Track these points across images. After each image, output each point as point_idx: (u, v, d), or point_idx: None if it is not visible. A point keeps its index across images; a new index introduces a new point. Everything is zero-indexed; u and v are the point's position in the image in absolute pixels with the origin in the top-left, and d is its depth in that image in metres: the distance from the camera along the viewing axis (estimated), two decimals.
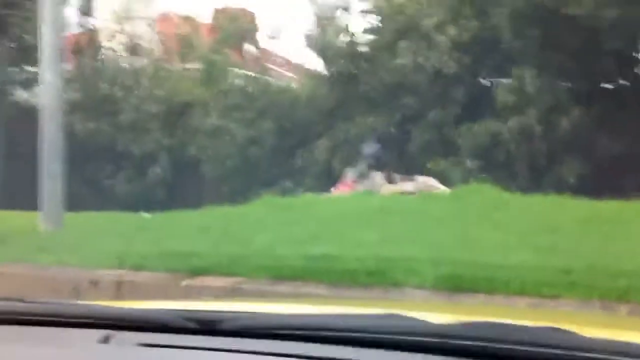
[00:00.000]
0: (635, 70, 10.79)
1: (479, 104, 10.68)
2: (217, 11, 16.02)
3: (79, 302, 2.03)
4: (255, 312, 1.74)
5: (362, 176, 9.08)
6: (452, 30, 10.64)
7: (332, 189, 9.31)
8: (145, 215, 7.87)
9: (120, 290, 5.26)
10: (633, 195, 7.11)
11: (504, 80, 10.36)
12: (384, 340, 1.39)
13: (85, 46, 14.69)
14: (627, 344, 1.35)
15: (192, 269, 5.40)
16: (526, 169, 9.71)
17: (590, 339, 1.35)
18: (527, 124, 9.65)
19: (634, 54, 10.56)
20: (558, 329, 1.36)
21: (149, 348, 1.46)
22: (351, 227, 6.30)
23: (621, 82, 10.90)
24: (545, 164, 9.76)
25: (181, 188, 12.62)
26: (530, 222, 6.00)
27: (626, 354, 1.26)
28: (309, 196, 8.60)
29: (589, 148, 9.88)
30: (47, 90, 8.13)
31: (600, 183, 9.26)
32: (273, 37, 13.46)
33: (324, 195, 8.68)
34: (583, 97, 10.15)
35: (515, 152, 9.73)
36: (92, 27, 15.69)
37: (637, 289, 4.24)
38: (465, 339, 1.34)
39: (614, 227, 5.71)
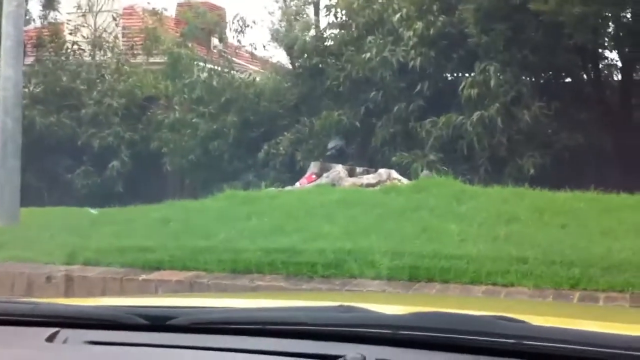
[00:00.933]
0: (597, 65, 10.95)
1: (443, 98, 10.74)
2: (182, 4, 15.89)
3: (27, 299, 2.00)
4: (208, 307, 1.73)
5: (325, 169, 9.07)
6: (418, 25, 10.68)
7: (297, 183, 9.29)
8: (92, 211, 7.75)
9: (75, 286, 5.21)
10: (590, 186, 7.23)
11: (469, 75, 10.43)
12: (337, 332, 1.39)
13: (47, 40, 14.46)
14: (574, 331, 1.36)
15: (150, 263, 5.37)
16: (488, 161, 9.80)
17: (539, 327, 1.36)
18: (489, 118, 9.73)
19: (595, 50, 10.71)
20: (507, 318, 1.38)
21: (97, 346, 1.44)
22: (313, 220, 6.31)
23: (583, 76, 11.06)
24: (506, 156, 9.85)
25: (143, 182, 12.49)
26: (489, 212, 6.06)
27: (572, 342, 1.28)
28: (272, 189, 8.58)
29: (549, 141, 10.01)
30: (6, 84, 7.99)
31: (560, 175, 9.39)
32: (239, 31, 13.36)
33: (287, 189, 8.66)
34: (545, 91, 10.27)
35: (477, 145, 9.81)
36: (55, 20, 15.46)
37: (589, 277, 4.32)
38: (416, 330, 1.35)
39: (569, 217, 5.80)
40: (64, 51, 14.26)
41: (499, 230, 5.51)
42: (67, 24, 14.87)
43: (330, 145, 10.10)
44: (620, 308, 3.68)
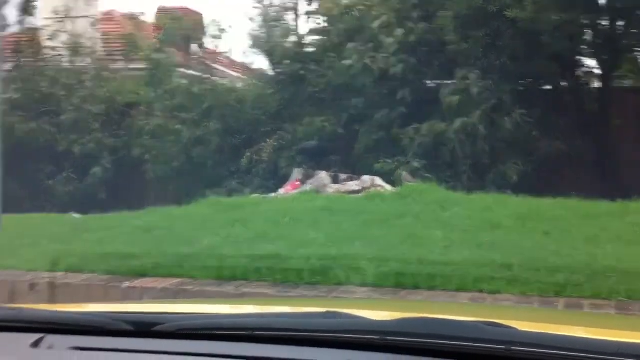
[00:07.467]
0: (575, 72, 11.06)
1: (425, 105, 10.78)
2: (160, 10, 15.83)
3: (11, 305, 1.98)
4: (193, 313, 1.72)
5: (308, 176, 9.07)
6: (398, 32, 10.74)
7: (280, 190, 9.27)
8: (76, 215, 7.70)
9: (58, 293, 5.15)
10: (571, 193, 7.29)
11: (450, 82, 10.49)
12: (324, 338, 1.39)
13: (26, 46, 14.34)
14: (563, 337, 1.37)
15: (133, 271, 5.32)
16: (470, 168, 9.83)
17: (527, 333, 1.36)
18: (471, 125, 9.78)
19: (573, 57, 10.82)
20: (495, 324, 1.38)
21: (82, 352, 1.43)
22: (297, 227, 6.31)
23: (562, 84, 11.16)
24: (488, 163, 9.90)
25: (124, 189, 12.40)
26: (473, 219, 6.10)
27: (561, 348, 1.28)
28: (256, 196, 8.57)
29: (530, 148, 10.08)
30: None
31: (542, 182, 9.47)
32: (218, 37, 13.36)
33: (271, 196, 8.65)
34: (525, 99, 10.35)
35: (459, 152, 9.85)
36: (33, 26, 15.34)
37: (574, 283, 4.34)
38: (403, 335, 1.34)
39: (552, 224, 5.84)
40: (42, 57, 14.14)
41: (483, 237, 5.54)
42: (46, 29, 14.75)
43: (314, 149, 10.07)
44: (607, 315, 3.70)
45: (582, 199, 6.90)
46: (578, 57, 11.02)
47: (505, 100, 10.09)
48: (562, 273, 4.48)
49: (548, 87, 11.30)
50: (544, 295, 4.31)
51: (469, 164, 9.81)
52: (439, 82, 11.09)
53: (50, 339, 1.47)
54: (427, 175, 9.32)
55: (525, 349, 1.29)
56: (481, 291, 4.43)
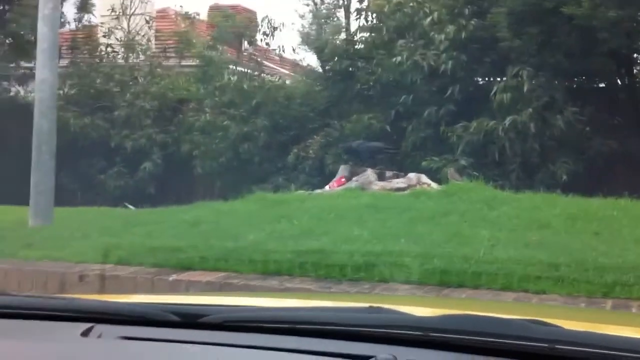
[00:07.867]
0: (632, 70, 10.80)
1: (475, 103, 10.66)
2: (213, 7, 16.04)
3: (62, 295, 2.03)
4: (238, 306, 1.74)
5: (354, 173, 9.07)
6: (450, 29, 10.65)
7: (326, 186, 9.29)
8: (130, 207, 7.85)
9: (107, 285, 5.26)
10: (624, 193, 7.13)
11: (501, 79, 10.36)
12: (366, 333, 1.38)
13: (82, 42, 14.69)
14: (611, 337, 1.34)
15: (180, 264, 5.41)
16: (519, 167, 9.69)
17: (574, 332, 1.34)
18: (521, 123, 9.64)
19: (630, 54, 10.57)
20: (539, 322, 1.35)
21: (130, 341, 1.46)
22: (342, 223, 6.32)
23: (617, 81, 10.91)
24: (538, 162, 9.75)
25: (173, 184, 12.59)
26: (521, 219, 6.02)
27: (610, 348, 1.25)
28: (302, 192, 8.60)
29: (582, 147, 9.88)
30: (42, 86, 8.13)
31: (593, 181, 9.28)
32: (269, 34, 13.45)
33: (316, 192, 8.68)
34: (578, 96, 10.16)
35: (509, 150, 9.72)
36: (89, 23, 15.70)
37: (623, 284, 4.25)
38: (447, 332, 1.34)
39: (602, 224, 5.73)
40: (98, 53, 14.48)
41: (531, 237, 5.46)
42: (101, 26, 15.08)
43: (360, 146, 10.05)
44: None
45: (635, 199, 6.74)
46: (635, 55, 10.76)
47: (557, 98, 9.91)
48: (611, 274, 4.39)
49: (602, 85, 11.06)
50: (591, 296, 4.23)
51: (518, 163, 9.67)
52: (490, 79, 10.95)
53: (99, 328, 1.50)
54: (474, 173, 9.22)
55: (571, 347, 1.27)
56: (526, 291, 4.37)
